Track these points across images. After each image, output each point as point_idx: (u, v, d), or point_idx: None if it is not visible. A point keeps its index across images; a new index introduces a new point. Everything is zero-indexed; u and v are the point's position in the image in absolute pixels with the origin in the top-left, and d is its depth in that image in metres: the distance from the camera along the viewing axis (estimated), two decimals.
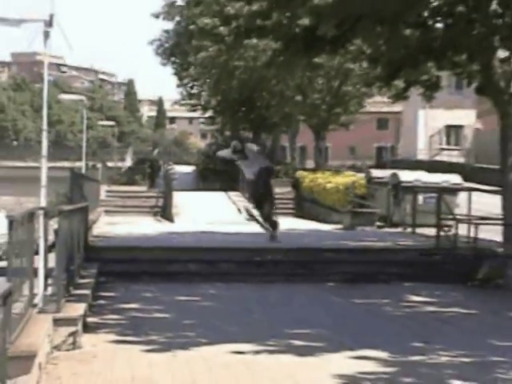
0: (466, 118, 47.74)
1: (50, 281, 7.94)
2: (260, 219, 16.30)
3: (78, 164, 41.25)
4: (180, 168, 41.07)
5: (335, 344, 7.77)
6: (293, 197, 29.12)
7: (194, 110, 46.42)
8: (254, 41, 24.34)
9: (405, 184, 19.22)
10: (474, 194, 16.19)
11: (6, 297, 4.78)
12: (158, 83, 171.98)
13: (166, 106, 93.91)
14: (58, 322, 7.28)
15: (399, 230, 17.84)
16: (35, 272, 7.44)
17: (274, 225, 15.10)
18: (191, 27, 32.42)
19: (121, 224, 19.73)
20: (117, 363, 6.96)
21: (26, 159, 66.27)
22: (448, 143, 50.32)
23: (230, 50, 29.35)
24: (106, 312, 9.37)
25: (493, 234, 13.28)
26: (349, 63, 28.96)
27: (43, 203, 8.88)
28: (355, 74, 30.50)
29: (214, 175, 34.32)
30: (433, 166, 31.37)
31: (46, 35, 9.58)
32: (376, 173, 22.99)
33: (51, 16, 9.68)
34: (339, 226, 20.15)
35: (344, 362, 7.08)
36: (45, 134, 9.47)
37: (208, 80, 37.52)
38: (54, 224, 8.35)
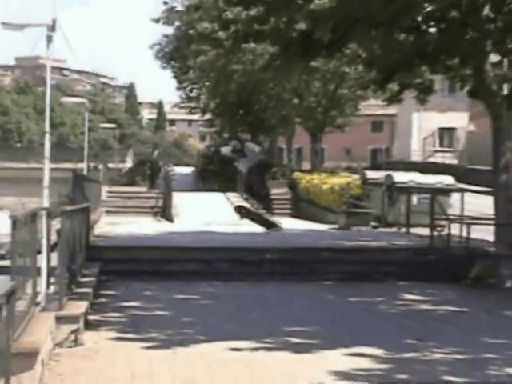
0: (459, 120, 48.09)
1: (52, 279, 8.02)
2: (252, 209, 16.46)
3: (79, 165, 41.55)
4: (179, 169, 41.28)
5: (332, 341, 7.87)
6: (290, 197, 29.34)
7: (194, 113, 46.64)
8: (252, 45, 24.50)
9: (399, 185, 19.38)
10: (467, 195, 16.28)
11: (10, 295, 4.84)
12: (158, 86, 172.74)
13: (166, 108, 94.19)
14: (60, 320, 7.36)
15: (394, 229, 18.00)
16: (38, 271, 7.49)
17: (266, 199, 15.30)
18: (190, 32, 32.74)
19: (121, 224, 19.86)
20: (118, 360, 7.06)
21: (29, 161, 66.48)
22: (441, 145, 50.65)
23: (228, 54, 29.57)
24: (107, 310, 9.49)
25: (485, 233, 13.40)
26: (344, 67, 29.20)
27: (46, 204, 8.99)
28: (351, 78, 30.79)
29: (213, 176, 34.49)
30: (426, 168, 31.55)
31: (49, 40, 9.77)
32: (371, 174, 23.20)
33: (54, 21, 9.88)
34: (335, 226, 20.31)
35: (340, 358, 7.18)
36: (47, 136, 9.63)
37: (207, 83, 37.78)
38: (56, 224, 8.50)
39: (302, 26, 12.98)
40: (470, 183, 24.55)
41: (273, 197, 25.02)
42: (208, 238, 15.67)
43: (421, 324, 9.12)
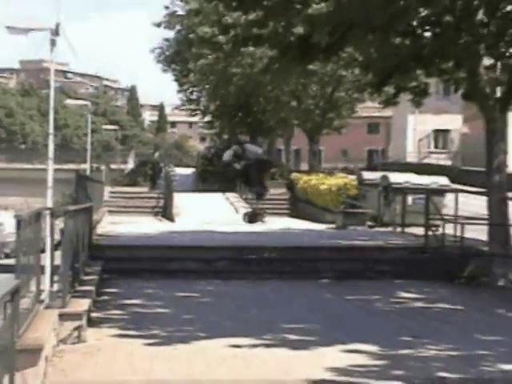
0: (454, 122, 48.50)
1: (56, 278, 8.15)
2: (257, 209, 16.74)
3: (82, 166, 41.94)
4: (180, 170, 41.56)
5: (328, 338, 7.97)
6: (288, 198, 29.59)
7: (194, 115, 46.99)
8: (251, 49, 24.68)
9: (395, 185, 19.48)
10: (461, 195, 16.31)
11: (14, 293, 4.97)
12: (160, 89, 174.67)
13: (167, 110, 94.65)
14: (63, 317, 7.47)
15: (389, 229, 18.12)
16: (42, 269, 7.63)
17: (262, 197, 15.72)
18: (191, 36, 33.08)
19: (123, 223, 19.99)
20: (119, 356, 7.16)
21: (34, 162, 66.73)
22: (436, 147, 51.09)
23: (227, 58, 29.89)
24: (110, 307, 9.62)
25: (478, 233, 13.51)
26: (341, 70, 29.43)
27: (50, 204, 9.14)
28: (347, 81, 31.09)
29: (213, 177, 34.73)
30: (421, 169, 31.77)
31: (53, 43, 9.96)
32: (367, 175, 23.32)
33: (57, 25, 10.08)
34: (332, 226, 20.46)
35: (337, 355, 7.28)
36: (51, 138, 9.80)
37: (207, 86, 38.06)
38: (59, 223, 8.61)
39: (299, 30, 13.13)
40: (464, 184, 24.66)
41: (271, 197, 25.16)
42: (208, 237, 15.77)
43: (416, 321, 9.22)
